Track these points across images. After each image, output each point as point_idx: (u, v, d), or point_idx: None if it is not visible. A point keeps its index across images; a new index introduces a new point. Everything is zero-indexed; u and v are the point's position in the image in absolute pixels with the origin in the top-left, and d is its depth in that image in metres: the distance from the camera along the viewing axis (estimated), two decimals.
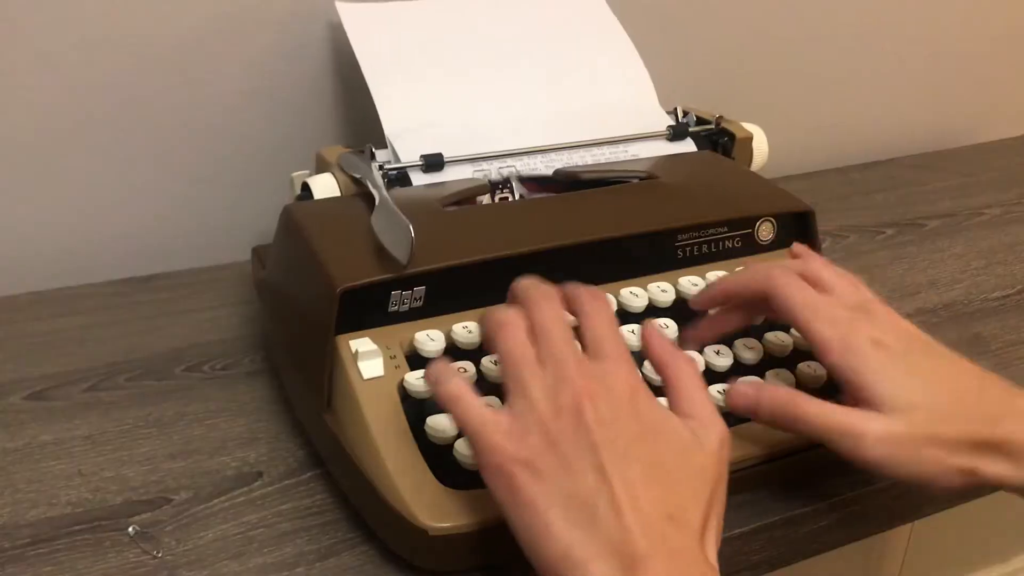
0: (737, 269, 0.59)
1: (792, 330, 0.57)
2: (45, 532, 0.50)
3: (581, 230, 0.56)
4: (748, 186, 0.65)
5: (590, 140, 0.67)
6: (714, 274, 0.59)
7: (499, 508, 0.40)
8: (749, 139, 0.72)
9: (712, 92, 1.02)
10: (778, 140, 1.08)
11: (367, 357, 0.50)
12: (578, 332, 0.44)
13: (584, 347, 0.44)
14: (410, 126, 0.66)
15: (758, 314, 0.56)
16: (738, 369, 0.55)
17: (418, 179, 0.63)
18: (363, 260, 0.52)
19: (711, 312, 0.55)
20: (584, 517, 0.38)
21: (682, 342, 0.55)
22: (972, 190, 1.03)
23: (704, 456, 0.41)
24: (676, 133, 0.70)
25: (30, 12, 0.71)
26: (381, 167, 0.62)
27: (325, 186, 0.62)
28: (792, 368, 0.55)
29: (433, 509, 0.45)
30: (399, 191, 0.62)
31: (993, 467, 0.46)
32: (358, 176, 0.61)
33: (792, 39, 1.05)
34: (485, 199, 0.62)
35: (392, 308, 0.52)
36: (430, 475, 0.47)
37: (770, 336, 0.57)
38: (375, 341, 0.51)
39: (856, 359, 0.47)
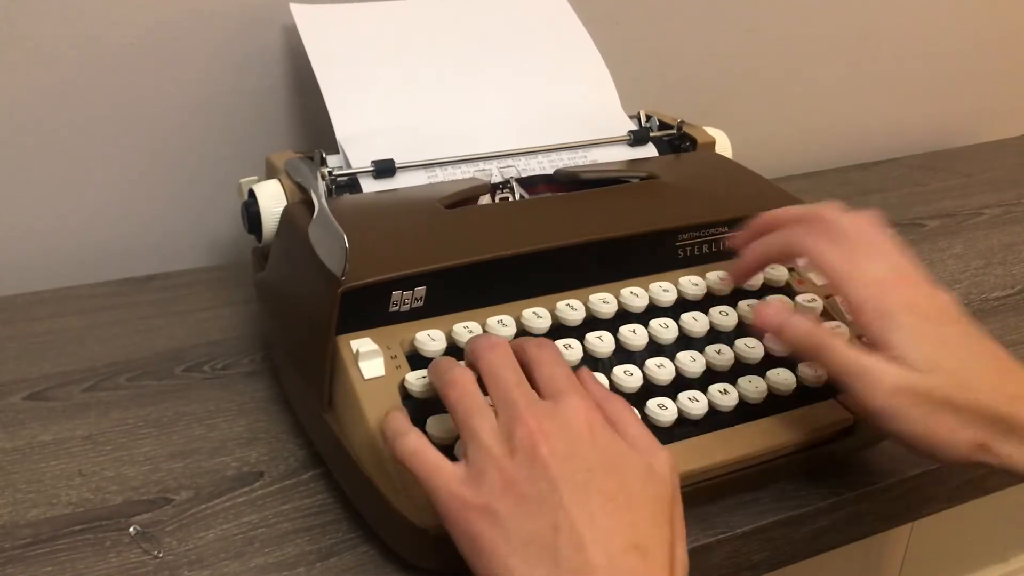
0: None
1: (797, 297, 0.58)
2: (45, 532, 0.50)
3: (581, 230, 0.56)
4: (748, 186, 0.65)
5: (548, 145, 0.66)
6: (715, 274, 0.59)
7: (463, 555, 0.40)
8: (711, 143, 0.71)
9: (712, 92, 1.02)
10: (778, 140, 1.09)
11: (368, 357, 0.50)
12: (530, 380, 0.44)
13: (537, 390, 0.43)
14: (363, 131, 0.65)
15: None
16: (740, 368, 0.55)
17: (368, 186, 0.62)
18: (363, 260, 0.52)
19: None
20: (547, 557, 0.37)
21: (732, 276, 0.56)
22: (972, 190, 1.03)
23: (659, 482, 0.41)
24: (637, 138, 0.69)
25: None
26: (330, 173, 0.61)
27: (271, 193, 0.62)
28: (794, 369, 0.55)
29: (433, 509, 0.45)
30: (400, 191, 0.62)
31: (1006, 446, 0.45)
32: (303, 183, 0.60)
33: (792, 39, 1.05)
34: (485, 199, 0.62)
35: (392, 308, 0.52)
36: None
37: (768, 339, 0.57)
38: (376, 341, 0.51)
39: (887, 320, 0.46)
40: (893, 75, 1.14)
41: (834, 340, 0.47)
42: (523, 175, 0.65)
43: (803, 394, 0.54)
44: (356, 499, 0.51)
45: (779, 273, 0.60)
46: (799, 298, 0.59)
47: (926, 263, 0.84)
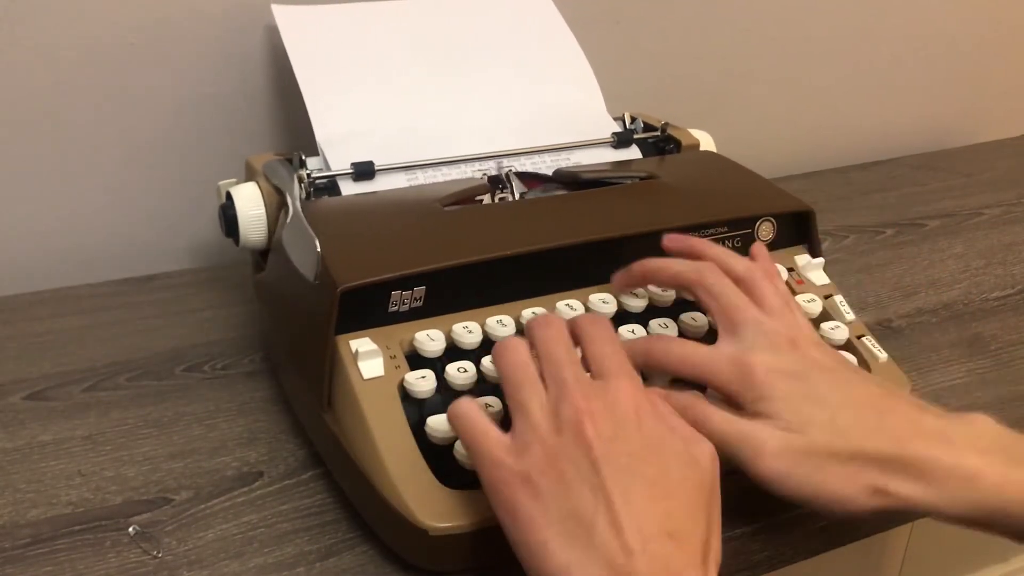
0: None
1: (681, 316, 0.57)
2: (45, 532, 0.50)
3: (581, 230, 0.56)
4: (748, 186, 0.65)
5: (530, 147, 0.66)
6: None
7: (500, 521, 0.40)
8: (696, 145, 0.71)
9: (712, 92, 1.02)
10: (778, 140, 1.09)
11: (367, 357, 0.50)
12: (583, 358, 0.44)
13: (588, 368, 0.43)
14: (343, 133, 0.64)
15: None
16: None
17: (348, 188, 0.62)
18: (363, 260, 0.52)
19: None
20: (583, 536, 0.38)
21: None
22: (972, 190, 1.03)
23: (700, 470, 0.41)
24: (621, 140, 0.69)
25: None
26: (309, 175, 0.60)
27: (248, 196, 0.62)
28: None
29: (433, 509, 0.45)
30: (399, 191, 0.62)
31: (904, 487, 0.44)
32: (279, 185, 0.60)
33: (792, 39, 1.05)
34: (485, 199, 0.62)
35: (392, 308, 0.52)
36: (430, 475, 0.47)
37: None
38: (375, 341, 0.51)
39: (753, 392, 0.46)
40: (893, 75, 1.14)
41: (709, 413, 0.46)
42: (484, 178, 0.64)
43: None
44: (356, 499, 0.51)
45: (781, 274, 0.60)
46: (798, 298, 0.59)
47: (926, 263, 0.84)
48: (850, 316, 0.60)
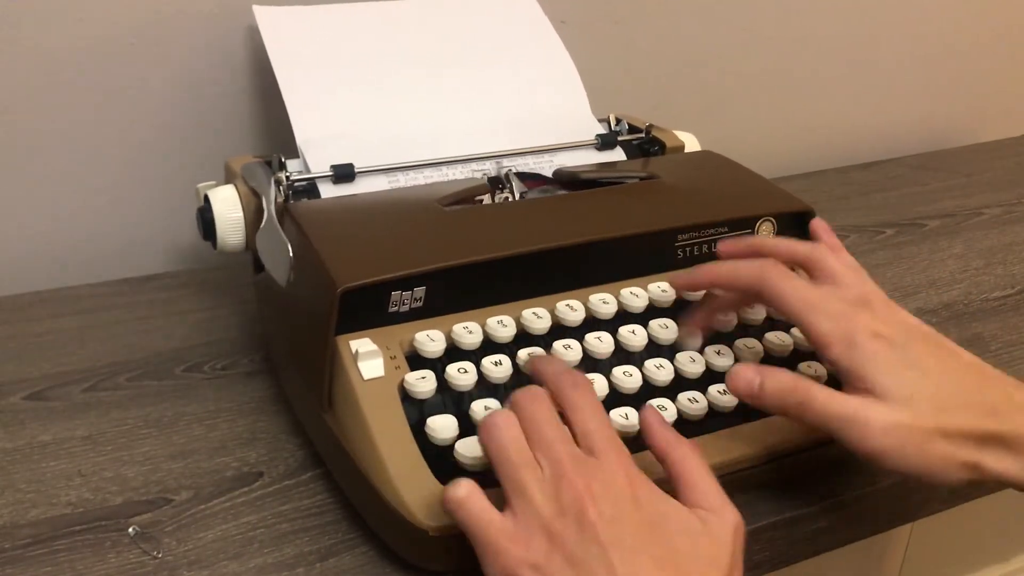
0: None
1: (793, 329, 0.57)
2: (45, 532, 0.50)
3: (581, 230, 0.56)
4: (748, 186, 0.65)
5: (513, 150, 0.66)
6: None
7: None
8: (680, 147, 0.71)
9: (713, 92, 1.02)
10: (778, 140, 1.09)
11: (367, 357, 0.50)
12: (567, 424, 0.44)
13: (577, 441, 0.43)
14: (324, 135, 0.64)
15: (751, 303, 0.56)
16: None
17: (327, 191, 0.61)
18: (363, 260, 0.52)
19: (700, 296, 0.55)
20: None
21: (681, 330, 0.55)
22: (972, 190, 1.03)
23: (715, 543, 0.41)
24: (605, 142, 0.69)
25: None
26: (287, 178, 0.60)
27: (225, 199, 0.61)
28: (793, 369, 0.55)
29: (433, 509, 0.45)
30: (399, 191, 0.62)
31: (997, 462, 0.45)
32: (256, 188, 0.60)
33: (792, 39, 1.05)
34: (485, 199, 0.62)
35: (392, 308, 0.52)
36: (430, 475, 0.47)
37: (771, 336, 0.57)
38: (375, 341, 0.51)
39: (856, 352, 0.46)
40: (893, 75, 1.14)
41: (814, 392, 0.46)
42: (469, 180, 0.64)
43: None
44: (356, 499, 0.51)
45: None
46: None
47: (926, 263, 0.84)
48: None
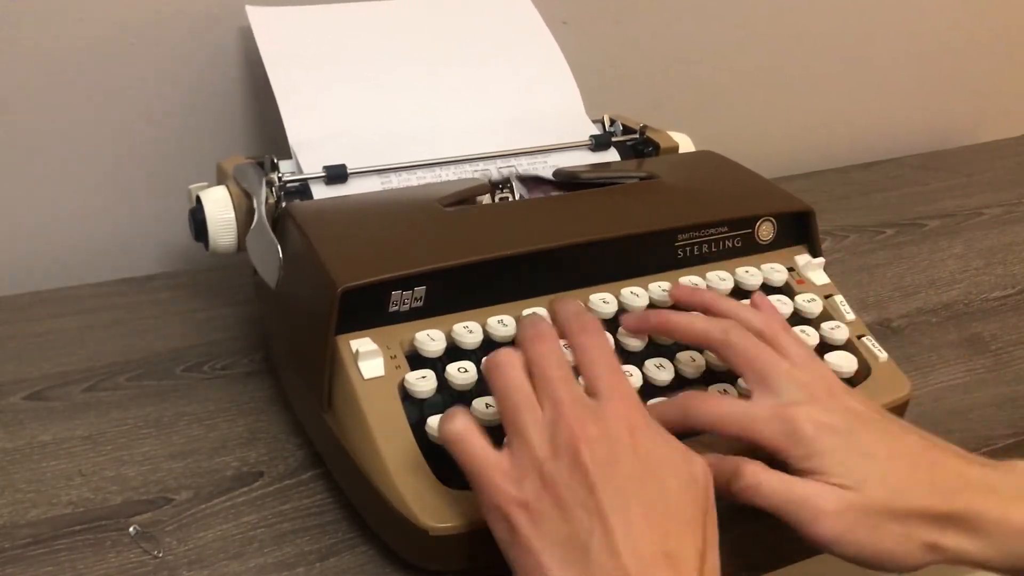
0: (738, 271, 0.59)
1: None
2: (45, 532, 0.50)
3: (581, 230, 0.56)
4: (748, 186, 0.65)
5: (506, 150, 0.65)
6: (715, 274, 0.59)
7: (498, 544, 0.40)
8: (675, 148, 0.71)
9: (713, 91, 1.02)
10: (778, 140, 1.09)
11: (367, 357, 0.50)
12: (575, 367, 0.44)
13: (585, 386, 0.43)
14: (317, 135, 0.64)
15: None
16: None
17: (320, 192, 0.61)
18: (363, 260, 0.52)
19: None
20: (579, 560, 0.38)
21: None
22: (972, 190, 1.03)
23: (697, 488, 0.41)
24: (599, 143, 0.69)
25: None
26: (279, 179, 0.60)
27: (217, 200, 0.61)
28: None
29: (433, 509, 0.45)
30: (399, 191, 0.62)
31: (955, 541, 0.44)
32: (248, 189, 0.59)
33: (793, 39, 1.05)
34: (485, 199, 0.62)
35: (392, 308, 0.52)
36: (430, 475, 0.47)
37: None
38: (375, 341, 0.51)
39: (802, 445, 0.46)
40: (893, 75, 1.14)
41: (760, 477, 0.45)
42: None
43: None
44: (356, 499, 0.51)
45: (779, 275, 0.60)
46: (798, 298, 0.59)
47: (926, 263, 0.84)
48: (850, 316, 0.60)
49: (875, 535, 0.44)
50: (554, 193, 0.65)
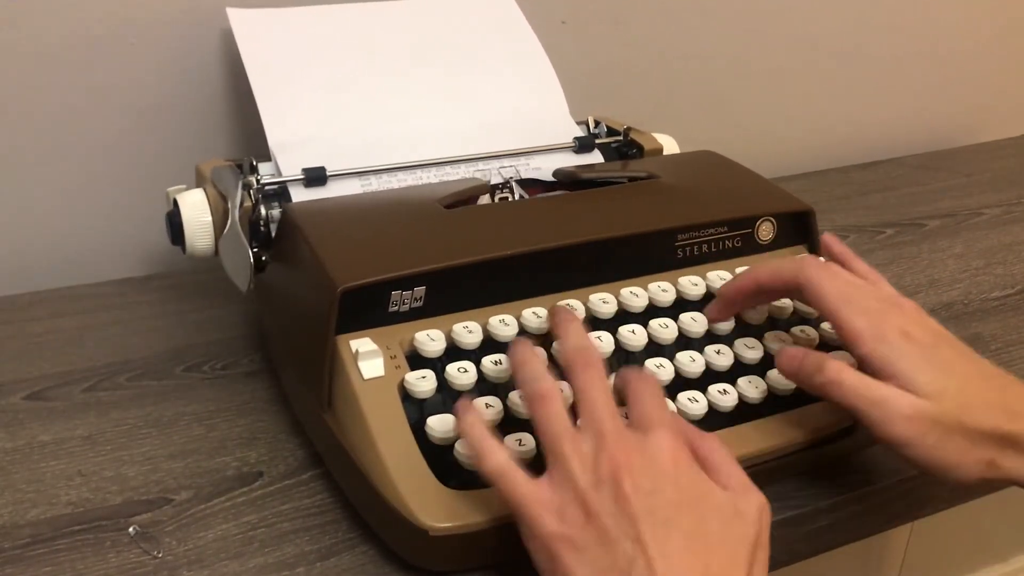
0: (738, 270, 0.59)
1: (793, 329, 0.57)
2: (45, 532, 0.50)
3: (581, 230, 0.56)
4: (748, 186, 0.65)
5: (489, 152, 0.65)
6: (715, 274, 0.59)
7: (538, 572, 0.41)
8: (659, 150, 0.71)
9: (713, 91, 1.02)
10: (778, 140, 1.09)
11: (367, 357, 0.50)
12: (624, 406, 0.44)
13: (630, 420, 0.43)
14: (297, 138, 0.63)
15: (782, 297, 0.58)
16: (739, 368, 0.55)
17: (299, 195, 0.61)
18: (363, 260, 0.52)
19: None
20: None
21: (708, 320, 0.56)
22: (972, 190, 1.03)
23: (743, 523, 0.41)
24: (582, 144, 0.68)
25: None
26: (258, 181, 0.60)
27: (194, 203, 0.61)
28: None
29: (433, 509, 0.45)
30: (399, 191, 0.62)
31: (1011, 461, 0.47)
32: (224, 193, 0.59)
33: (793, 38, 1.05)
34: (485, 199, 0.62)
35: (392, 308, 0.52)
36: (430, 475, 0.47)
37: (769, 336, 0.57)
38: (375, 341, 0.51)
39: (887, 348, 0.48)
40: (893, 75, 1.14)
41: (844, 374, 0.48)
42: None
43: (803, 394, 0.54)
44: (356, 499, 0.51)
45: None
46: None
47: (926, 263, 0.84)
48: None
49: (941, 445, 0.46)
50: (554, 193, 0.65)
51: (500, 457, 0.42)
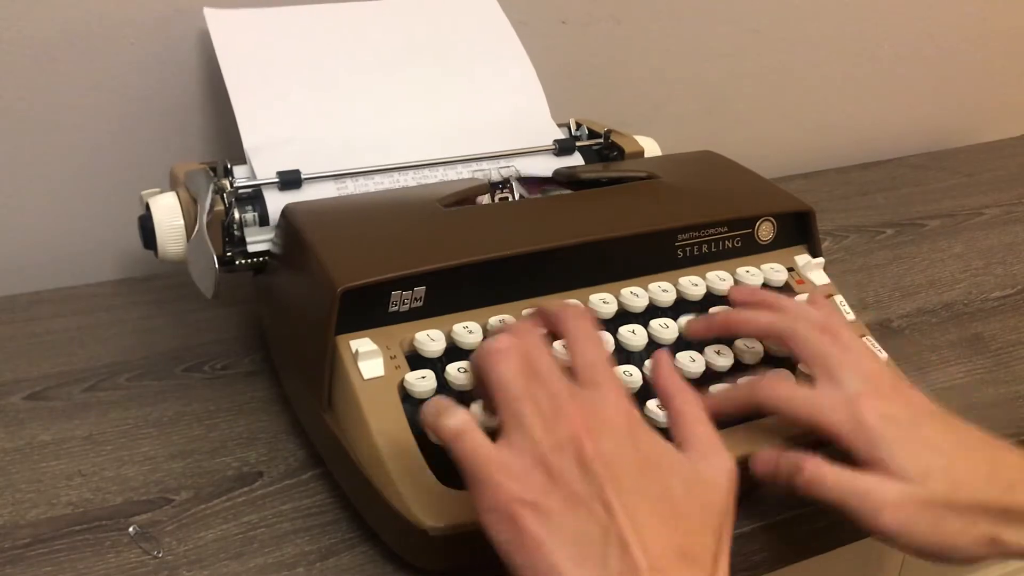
0: (739, 271, 0.59)
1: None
2: (45, 532, 0.50)
3: (581, 230, 0.56)
4: (748, 186, 0.65)
5: (467, 155, 0.65)
6: (715, 274, 0.59)
7: (499, 548, 0.39)
8: (640, 153, 0.71)
9: (714, 91, 1.02)
10: (778, 140, 1.09)
11: (367, 357, 0.50)
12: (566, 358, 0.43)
13: (574, 373, 0.42)
14: (273, 140, 0.63)
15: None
16: (739, 368, 0.55)
17: (273, 198, 0.60)
18: (363, 260, 0.52)
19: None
20: (593, 557, 0.37)
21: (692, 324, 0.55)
22: (972, 190, 1.03)
23: (708, 489, 0.40)
24: (563, 147, 0.68)
25: None
26: (231, 185, 0.59)
27: (166, 206, 0.60)
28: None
29: (433, 509, 0.45)
30: (399, 191, 0.62)
31: (1015, 535, 0.45)
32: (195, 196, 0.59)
33: (794, 39, 1.05)
34: (485, 199, 0.62)
35: (392, 308, 0.52)
36: (430, 475, 0.47)
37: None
38: (375, 341, 0.51)
39: (865, 434, 0.46)
40: (893, 75, 1.14)
41: (823, 470, 0.46)
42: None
43: None
44: (356, 499, 0.51)
45: (779, 275, 0.60)
46: (798, 299, 0.59)
47: (926, 263, 0.84)
48: (850, 316, 0.60)
49: (936, 528, 0.44)
50: (554, 193, 0.65)
51: (460, 416, 0.41)
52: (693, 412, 0.43)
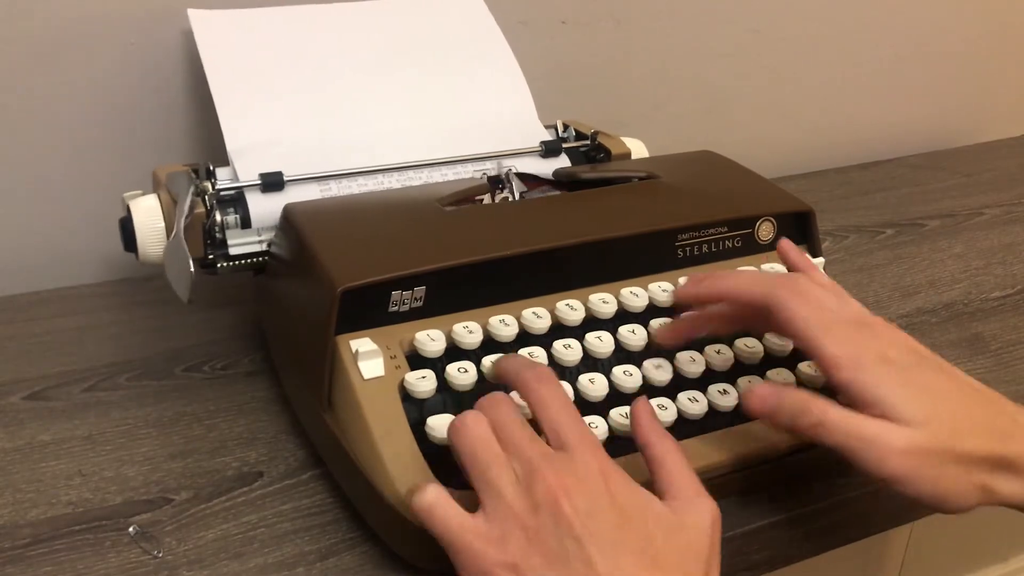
0: (734, 270, 0.59)
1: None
2: (45, 532, 0.50)
3: (581, 230, 0.56)
4: (748, 186, 0.65)
5: (453, 157, 0.64)
6: None
7: None
8: (627, 154, 0.71)
9: (714, 91, 1.02)
10: (778, 140, 1.09)
11: (367, 357, 0.50)
12: (534, 423, 0.43)
13: (546, 435, 0.42)
14: (256, 142, 0.62)
15: (742, 326, 0.54)
16: (739, 369, 0.55)
17: (256, 200, 0.60)
18: (363, 260, 0.52)
19: (687, 313, 0.54)
20: None
21: (660, 332, 0.54)
22: (972, 190, 1.03)
23: (692, 535, 0.40)
24: (549, 149, 0.68)
25: None
26: (213, 186, 0.59)
27: (147, 208, 0.60)
28: (793, 368, 0.55)
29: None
30: (399, 191, 0.62)
31: (1007, 485, 0.45)
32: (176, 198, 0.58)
33: (794, 39, 1.05)
34: (485, 199, 0.62)
35: (392, 308, 0.52)
36: (430, 475, 0.46)
37: (771, 335, 0.57)
38: (375, 341, 0.51)
39: (867, 375, 0.45)
40: (893, 75, 1.14)
41: (829, 414, 0.45)
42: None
43: None
44: (356, 499, 0.51)
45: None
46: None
47: (926, 263, 0.84)
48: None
49: (936, 476, 0.44)
50: (554, 193, 0.65)
51: (430, 492, 0.41)
52: (673, 459, 0.43)
